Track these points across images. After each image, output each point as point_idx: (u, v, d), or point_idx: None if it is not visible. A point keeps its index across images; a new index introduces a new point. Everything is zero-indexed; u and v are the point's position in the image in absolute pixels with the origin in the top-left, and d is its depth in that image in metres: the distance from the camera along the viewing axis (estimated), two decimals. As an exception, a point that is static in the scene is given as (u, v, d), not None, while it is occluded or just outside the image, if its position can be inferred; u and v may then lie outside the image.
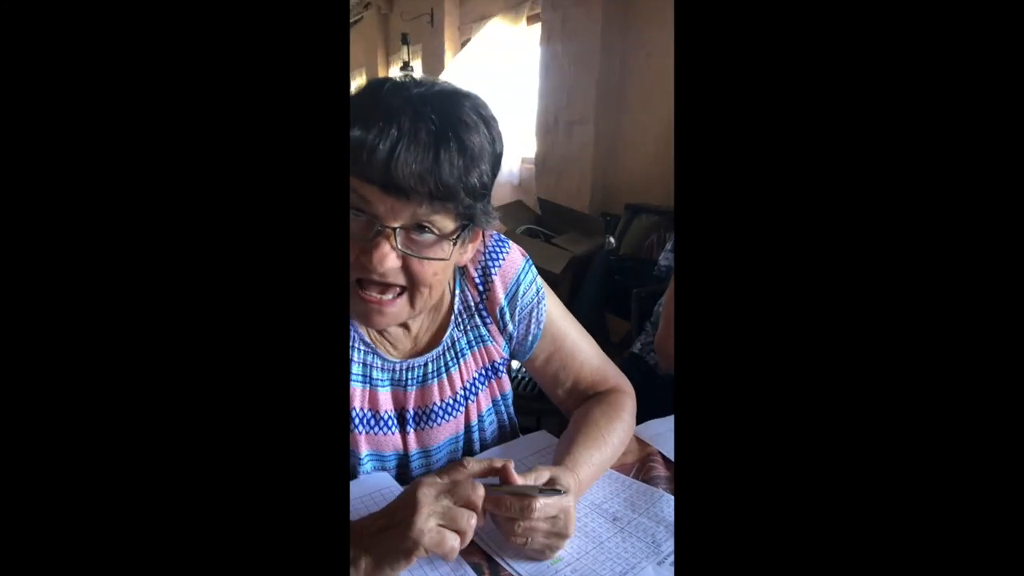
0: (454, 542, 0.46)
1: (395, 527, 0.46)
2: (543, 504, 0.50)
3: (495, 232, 0.69)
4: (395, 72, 5.72)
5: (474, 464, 0.51)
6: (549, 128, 3.21)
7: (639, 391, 0.75)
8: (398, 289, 0.54)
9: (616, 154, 2.90)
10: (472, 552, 0.54)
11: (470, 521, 0.47)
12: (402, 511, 0.47)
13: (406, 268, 0.52)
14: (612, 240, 2.44)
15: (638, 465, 0.69)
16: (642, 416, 0.75)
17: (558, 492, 0.51)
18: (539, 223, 2.78)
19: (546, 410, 1.49)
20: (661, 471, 0.66)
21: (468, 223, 0.53)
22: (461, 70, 3.83)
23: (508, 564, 0.52)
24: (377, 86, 0.52)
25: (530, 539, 0.50)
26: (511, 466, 0.52)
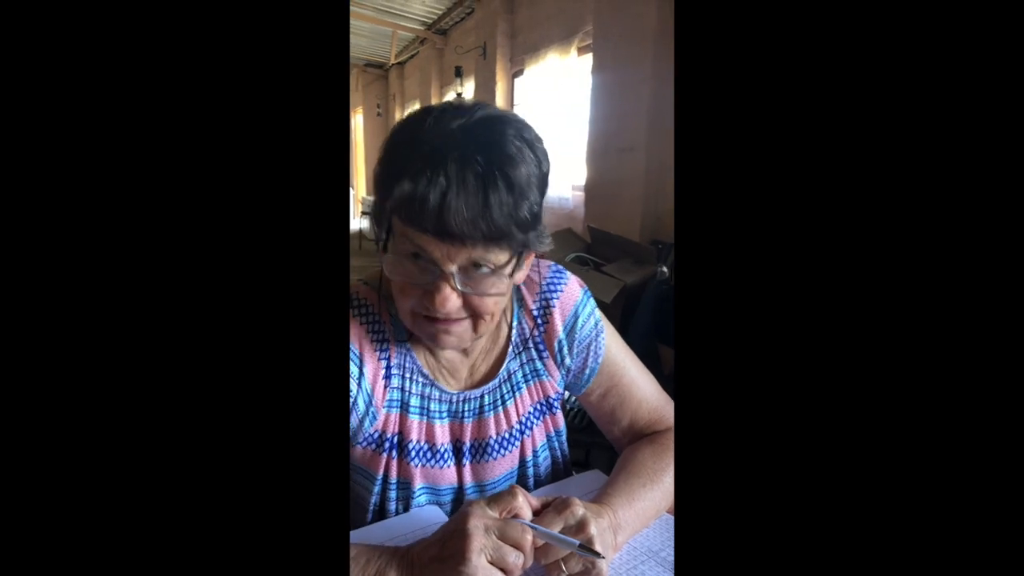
0: None
1: (448, 559, 0.46)
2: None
3: (553, 263, 0.70)
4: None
5: (520, 493, 0.50)
6: (599, 155, 3.21)
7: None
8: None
9: (667, 181, 2.87)
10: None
11: (517, 561, 0.46)
12: (453, 543, 0.46)
13: (467, 304, 0.54)
14: (665, 269, 2.40)
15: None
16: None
17: (597, 555, 0.49)
18: (589, 251, 2.76)
19: (596, 443, 1.46)
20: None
21: (522, 251, 0.54)
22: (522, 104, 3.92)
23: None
24: (417, 123, 0.52)
25: None
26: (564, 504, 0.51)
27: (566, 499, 0.52)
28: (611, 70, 3.05)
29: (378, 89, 9.23)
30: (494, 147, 0.50)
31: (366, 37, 6.74)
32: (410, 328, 0.59)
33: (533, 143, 0.53)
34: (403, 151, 0.51)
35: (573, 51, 3.61)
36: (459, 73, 5.42)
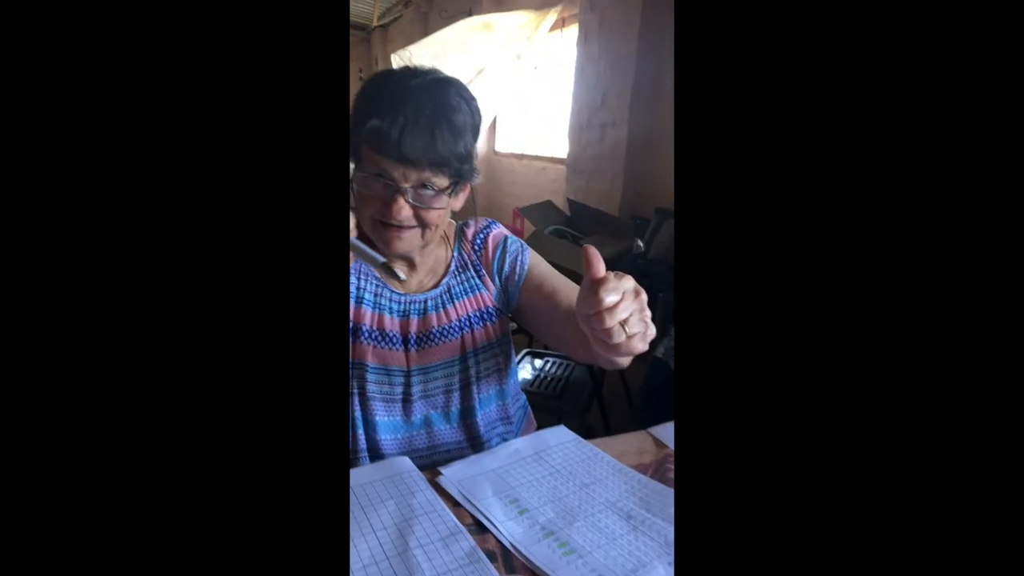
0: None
1: None
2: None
3: (490, 219, 0.89)
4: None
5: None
6: (582, 129, 3.20)
7: (661, 394, 0.76)
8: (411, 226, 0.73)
9: (649, 157, 2.88)
10: (486, 540, 0.55)
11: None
12: None
13: (416, 215, 0.71)
14: (640, 243, 2.43)
15: (655, 466, 0.69)
16: (663, 418, 0.75)
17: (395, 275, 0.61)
18: (568, 224, 2.78)
19: (566, 410, 1.50)
20: (678, 473, 0.67)
21: (459, 179, 0.72)
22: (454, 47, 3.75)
23: (521, 553, 0.53)
24: (383, 79, 0.72)
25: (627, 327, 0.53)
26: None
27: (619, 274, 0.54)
28: (595, 43, 3.03)
29: (360, 52, 8.99)
30: (440, 99, 0.69)
31: (349, -3, 6.52)
32: (369, 234, 0.74)
33: (469, 100, 0.72)
34: (373, 98, 0.70)
35: (551, 15, 3.53)
36: (444, 39, 5.30)
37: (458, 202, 0.77)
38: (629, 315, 0.52)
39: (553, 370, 1.66)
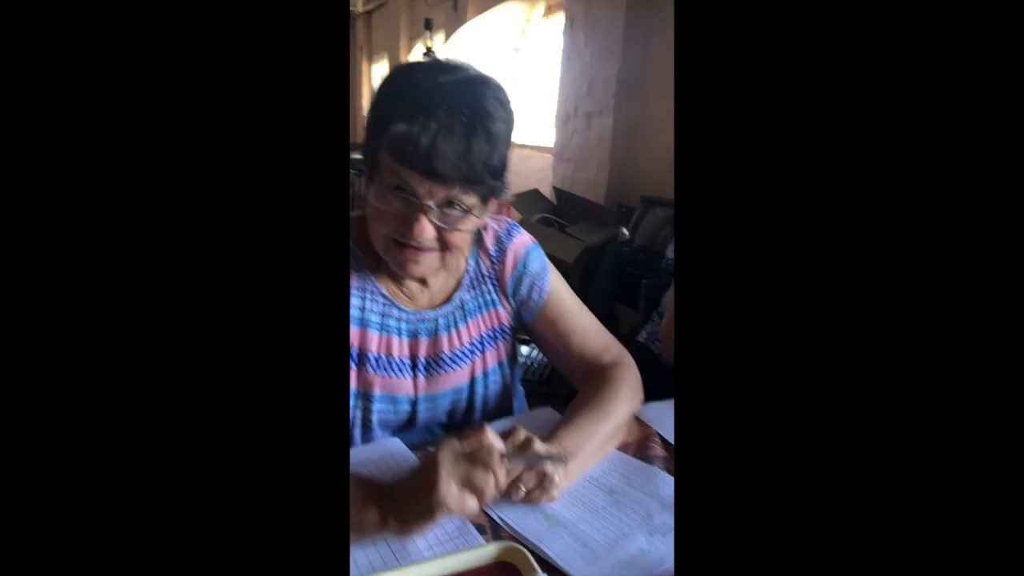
0: (473, 504, 0.50)
1: (420, 490, 0.50)
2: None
3: (509, 220, 0.80)
4: (418, 57, 5.72)
5: (490, 430, 0.55)
6: (568, 117, 3.21)
7: (643, 377, 0.78)
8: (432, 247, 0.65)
9: (634, 146, 2.90)
10: (477, 514, 0.58)
11: (488, 481, 0.51)
12: (425, 473, 0.51)
13: (439, 236, 0.63)
14: (626, 232, 2.46)
15: (637, 444, 0.72)
16: (645, 400, 0.78)
17: (551, 458, 0.56)
18: (554, 212, 2.80)
19: (554, 395, 1.53)
20: (659, 451, 0.70)
21: (488, 196, 0.64)
22: (465, 44, 3.78)
23: (509, 525, 0.56)
24: (407, 74, 0.61)
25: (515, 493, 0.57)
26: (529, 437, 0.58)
27: (512, 428, 0.59)
28: (582, 30, 3.03)
29: (344, 39, 8.85)
30: (477, 103, 0.58)
31: (332, -18, 6.41)
32: (382, 253, 0.66)
33: (506, 104, 0.62)
34: (397, 97, 0.59)
35: (540, 5, 3.52)
36: (429, 26, 5.25)
37: (484, 219, 0.69)
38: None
39: (540, 356, 1.68)
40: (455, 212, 0.62)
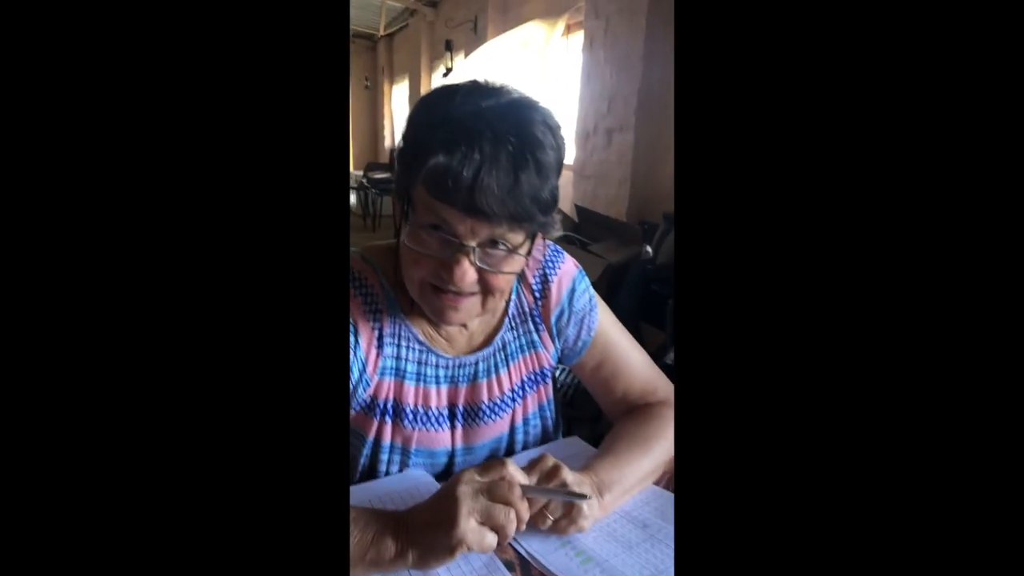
0: (492, 540, 0.48)
1: (439, 524, 0.48)
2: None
3: (551, 243, 0.71)
4: (438, 78, 5.81)
5: (511, 464, 0.53)
6: (588, 135, 3.21)
7: (673, 402, 0.76)
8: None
9: (655, 163, 2.89)
10: (504, 550, 0.56)
11: (509, 517, 0.49)
12: (444, 507, 0.49)
13: (481, 279, 0.56)
14: (649, 249, 2.43)
15: (668, 476, 0.70)
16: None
17: (582, 496, 0.53)
18: (575, 230, 2.78)
19: (576, 417, 1.50)
20: (692, 482, 0.67)
21: (536, 233, 0.56)
22: (485, 63, 3.83)
23: (539, 562, 0.54)
24: (444, 98, 0.54)
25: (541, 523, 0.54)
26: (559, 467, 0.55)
27: (541, 456, 0.56)
28: (602, 48, 3.04)
29: (366, 61, 9.06)
30: (524, 130, 0.51)
31: (355, 7, 6.59)
32: (416, 299, 0.60)
33: (556, 130, 0.54)
34: (434, 125, 0.51)
35: (560, 26, 3.56)
36: (449, 47, 5.34)
37: (530, 260, 0.61)
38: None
39: (563, 377, 1.66)
40: (499, 252, 0.54)
